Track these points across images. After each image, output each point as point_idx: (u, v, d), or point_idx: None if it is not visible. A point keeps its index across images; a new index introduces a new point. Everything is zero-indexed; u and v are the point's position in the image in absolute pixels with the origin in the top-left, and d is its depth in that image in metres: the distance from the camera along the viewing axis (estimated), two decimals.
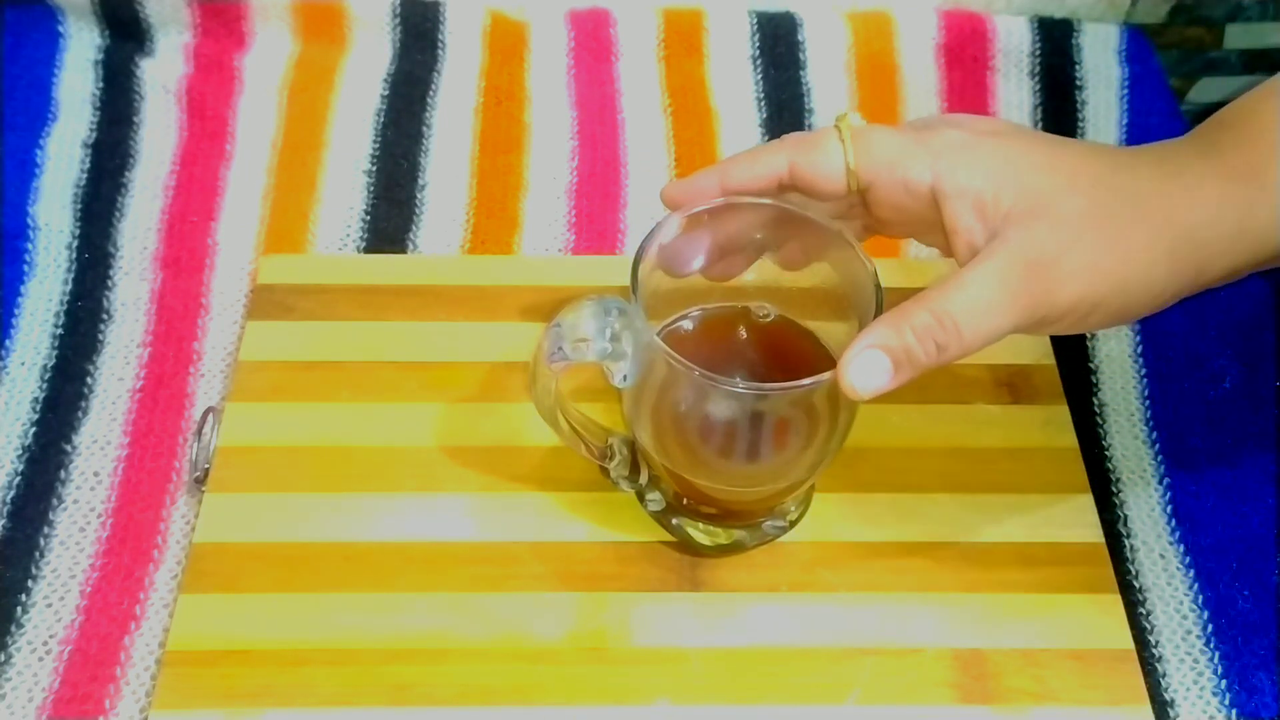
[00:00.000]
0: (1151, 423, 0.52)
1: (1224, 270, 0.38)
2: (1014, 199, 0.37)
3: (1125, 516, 0.50)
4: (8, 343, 0.52)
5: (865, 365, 0.36)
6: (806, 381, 0.39)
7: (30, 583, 0.46)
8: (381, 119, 0.61)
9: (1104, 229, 0.37)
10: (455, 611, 0.45)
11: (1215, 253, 0.37)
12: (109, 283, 0.55)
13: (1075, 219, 0.37)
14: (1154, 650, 0.46)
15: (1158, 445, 0.52)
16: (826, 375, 0.39)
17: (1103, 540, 0.47)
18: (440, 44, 0.63)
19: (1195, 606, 0.47)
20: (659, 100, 0.63)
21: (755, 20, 0.64)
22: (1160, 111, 0.63)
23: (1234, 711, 0.44)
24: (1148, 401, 0.53)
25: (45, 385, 0.51)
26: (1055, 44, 0.64)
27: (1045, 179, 0.37)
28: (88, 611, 0.45)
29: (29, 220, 0.56)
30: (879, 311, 0.40)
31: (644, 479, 0.46)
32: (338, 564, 0.46)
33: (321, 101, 0.61)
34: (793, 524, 0.47)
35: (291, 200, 0.58)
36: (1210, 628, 0.47)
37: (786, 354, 0.45)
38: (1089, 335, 0.55)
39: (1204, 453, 0.51)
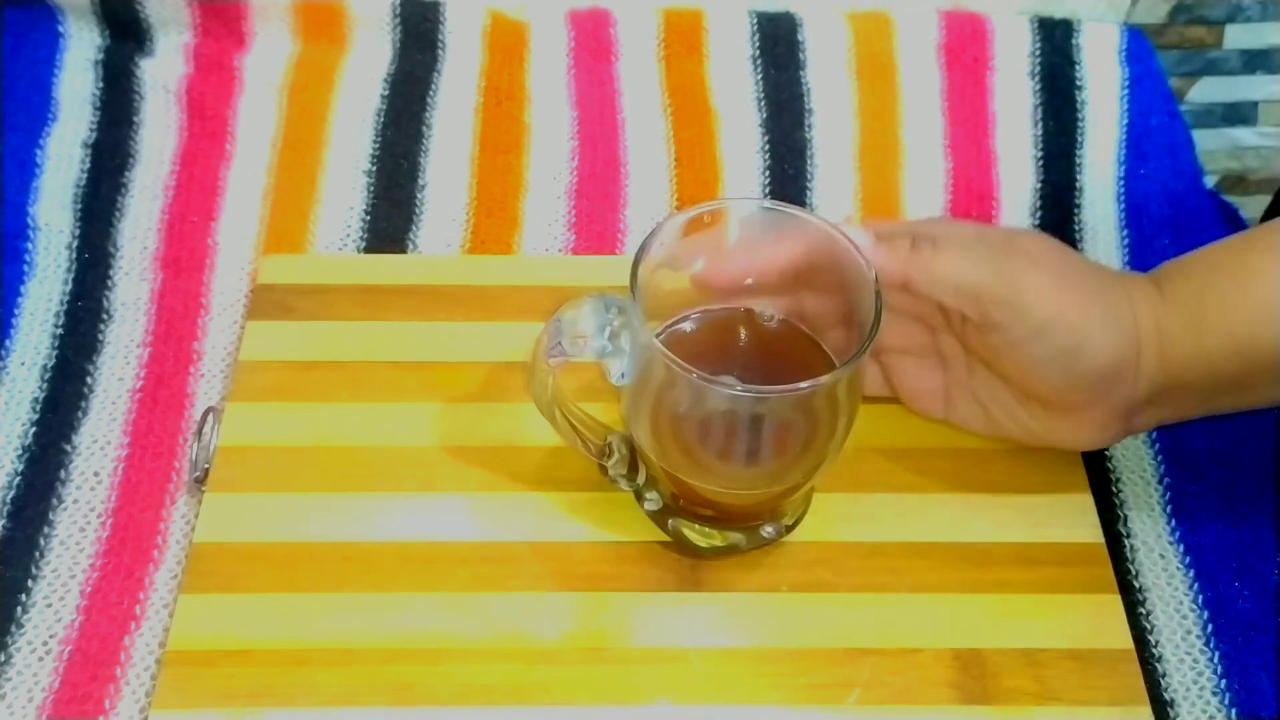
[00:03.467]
0: None
1: (1150, 374, 0.44)
2: (999, 239, 0.45)
3: (1125, 516, 0.50)
4: (8, 343, 0.52)
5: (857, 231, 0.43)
6: (804, 385, 0.39)
7: (30, 583, 0.46)
8: (381, 119, 0.61)
9: (1069, 281, 0.43)
10: (455, 611, 0.45)
11: (1144, 346, 0.43)
12: (109, 283, 0.55)
13: (1048, 269, 0.43)
14: (1154, 650, 0.46)
15: (1158, 445, 0.52)
16: (824, 378, 0.39)
17: (1103, 540, 0.47)
18: (440, 44, 0.63)
19: (1195, 606, 0.47)
20: (659, 100, 0.63)
21: (755, 20, 0.64)
22: (1160, 111, 0.63)
23: (1234, 711, 0.44)
24: None
25: (45, 385, 0.51)
26: (1055, 44, 0.64)
27: (1028, 247, 0.45)
28: (88, 611, 0.46)
29: (29, 220, 0.56)
30: (879, 315, 0.40)
31: (642, 479, 0.46)
32: (338, 564, 0.46)
33: (321, 101, 0.61)
34: (789, 528, 0.47)
35: (291, 200, 0.58)
36: (1210, 628, 0.47)
37: (786, 356, 0.45)
38: None
39: (1204, 453, 0.51)
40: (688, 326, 0.46)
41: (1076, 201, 0.61)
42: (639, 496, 0.46)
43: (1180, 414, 0.46)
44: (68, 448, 0.50)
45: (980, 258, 0.43)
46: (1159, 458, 0.51)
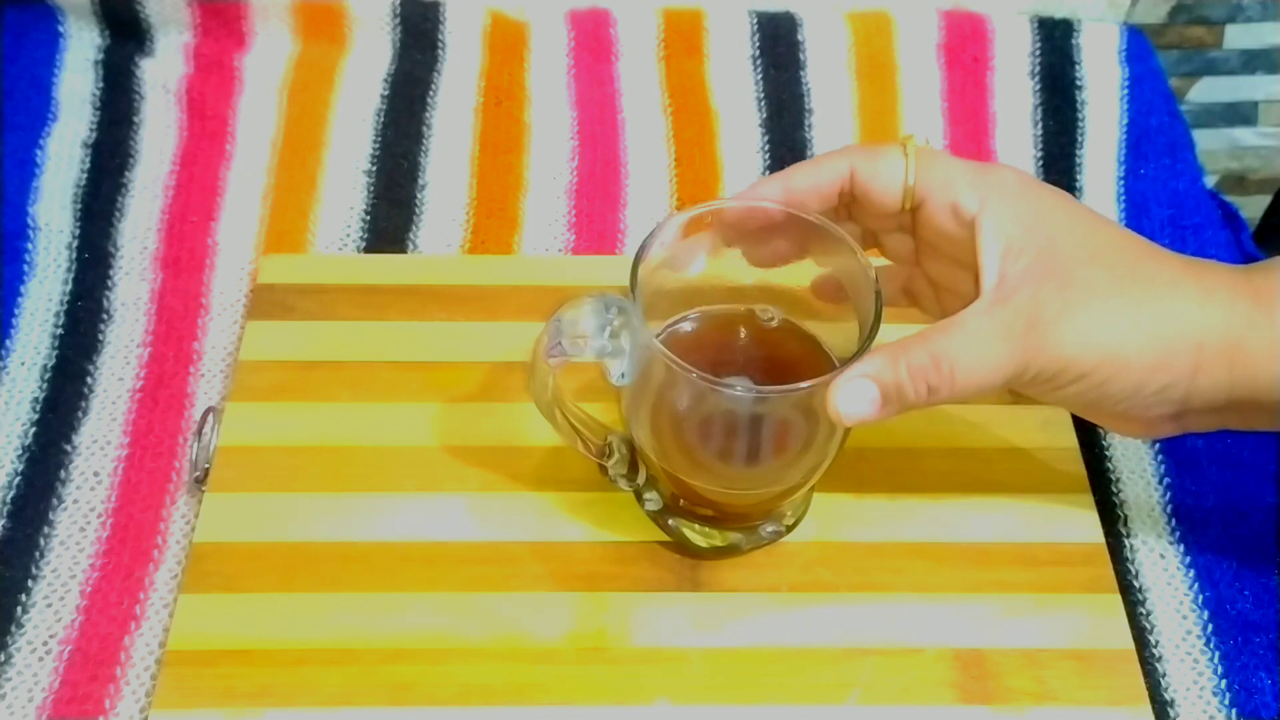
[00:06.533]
0: None
1: (1211, 388, 0.39)
2: (1035, 256, 0.38)
3: (1125, 516, 0.50)
4: (8, 343, 0.52)
5: (854, 392, 0.38)
6: (804, 385, 0.39)
7: (30, 583, 0.46)
8: (381, 119, 0.61)
9: (1109, 303, 0.38)
10: (455, 611, 0.45)
11: (1207, 362, 0.38)
12: (109, 283, 0.55)
13: (1085, 287, 0.38)
14: (1154, 650, 0.46)
15: (1158, 445, 0.52)
16: (825, 378, 0.39)
17: (1103, 540, 0.47)
18: (440, 44, 0.63)
19: (1195, 606, 0.47)
20: (659, 100, 0.63)
21: (755, 20, 0.64)
22: (1160, 111, 0.63)
23: (1234, 711, 0.44)
24: None
25: (45, 385, 0.51)
26: (1055, 44, 0.64)
27: (1073, 246, 0.39)
28: (88, 611, 0.45)
29: (29, 220, 0.56)
30: (879, 315, 0.40)
31: (642, 478, 0.46)
32: (338, 564, 0.46)
33: (321, 101, 0.61)
34: (790, 528, 0.47)
35: (291, 200, 0.58)
36: (1210, 628, 0.47)
37: (786, 357, 0.45)
38: None
39: (1204, 453, 0.51)
40: (688, 326, 0.46)
41: None
42: (639, 496, 0.46)
43: (1247, 426, 0.41)
44: (68, 448, 0.50)
45: (1005, 351, 0.37)
46: (1159, 458, 0.51)
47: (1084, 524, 0.48)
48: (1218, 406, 0.39)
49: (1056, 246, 0.39)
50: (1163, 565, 0.48)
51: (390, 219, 0.58)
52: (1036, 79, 0.64)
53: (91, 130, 0.59)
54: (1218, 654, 0.46)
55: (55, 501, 0.48)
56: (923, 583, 0.46)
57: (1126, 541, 0.49)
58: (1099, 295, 0.38)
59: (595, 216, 0.59)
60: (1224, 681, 0.45)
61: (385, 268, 0.55)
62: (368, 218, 0.58)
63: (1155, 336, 0.38)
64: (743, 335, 0.45)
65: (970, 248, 0.40)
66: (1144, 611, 0.47)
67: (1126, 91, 0.64)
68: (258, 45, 0.63)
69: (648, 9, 0.64)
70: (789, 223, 0.43)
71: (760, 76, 0.64)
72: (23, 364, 0.52)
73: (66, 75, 0.61)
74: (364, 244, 0.57)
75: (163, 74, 0.61)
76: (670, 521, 0.46)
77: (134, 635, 0.45)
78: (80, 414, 0.51)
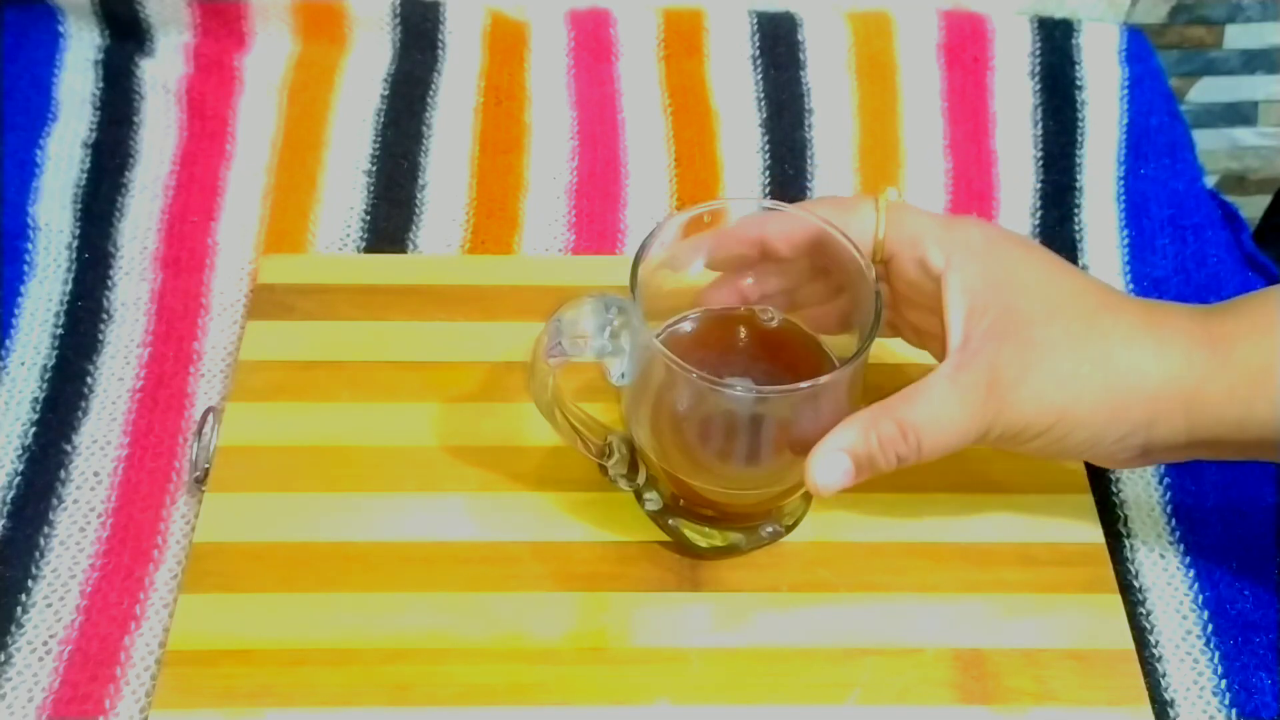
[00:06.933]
0: None
1: (1170, 434, 0.40)
2: (997, 316, 0.40)
3: (1125, 516, 0.50)
4: (8, 343, 0.52)
5: (830, 465, 0.40)
6: (804, 384, 0.39)
7: (30, 583, 0.46)
8: (381, 119, 0.61)
9: (1063, 364, 0.39)
10: (455, 611, 0.45)
11: (1163, 412, 0.40)
12: (109, 283, 0.55)
13: (1042, 347, 0.40)
14: (1154, 650, 0.46)
15: None
16: (824, 378, 0.39)
17: (1103, 540, 0.47)
18: (440, 44, 0.63)
19: (1195, 606, 0.47)
20: (659, 100, 0.63)
21: (755, 20, 0.64)
22: (1160, 111, 0.63)
23: (1234, 711, 0.44)
24: None
25: (45, 385, 0.51)
26: (1055, 44, 0.64)
27: (1033, 303, 0.40)
28: (88, 611, 0.46)
29: (29, 220, 0.56)
30: (879, 315, 0.40)
31: (642, 478, 0.46)
32: (338, 564, 0.46)
33: (321, 101, 0.61)
34: (789, 528, 0.47)
35: (291, 200, 0.58)
36: (1210, 628, 0.47)
37: (786, 357, 0.45)
38: None
39: None
40: (687, 326, 0.46)
41: (1076, 201, 0.61)
42: (639, 496, 0.46)
43: (1215, 458, 0.43)
44: (68, 448, 0.50)
45: (966, 416, 0.40)
46: None
47: (1084, 524, 0.48)
48: (1179, 447, 0.41)
49: (1018, 304, 0.40)
50: (1163, 565, 0.48)
51: (390, 219, 0.58)
52: (1036, 79, 0.64)
53: (91, 130, 0.59)
54: (1218, 654, 0.46)
55: (55, 501, 0.48)
56: (922, 583, 0.46)
57: (1126, 541, 0.49)
58: (1053, 355, 0.39)
59: (595, 216, 0.59)
60: (1224, 681, 0.45)
61: (385, 268, 0.56)
62: (368, 218, 0.58)
63: (1108, 392, 0.40)
64: (743, 335, 0.45)
65: (937, 300, 0.41)
66: (1144, 611, 0.47)
67: (1126, 91, 0.64)
68: (258, 45, 0.63)
69: (648, 9, 0.64)
70: (785, 220, 0.43)
71: (760, 76, 0.64)
72: (23, 364, 0.52)
73: (66, 75, 0.61)
74: (364, 244, 0.57)
75: (163, 74, 0.61)
76: (670, 521, 0.46)
77: (134, 635, 0.45)
78: (80, 414, 0.51)
